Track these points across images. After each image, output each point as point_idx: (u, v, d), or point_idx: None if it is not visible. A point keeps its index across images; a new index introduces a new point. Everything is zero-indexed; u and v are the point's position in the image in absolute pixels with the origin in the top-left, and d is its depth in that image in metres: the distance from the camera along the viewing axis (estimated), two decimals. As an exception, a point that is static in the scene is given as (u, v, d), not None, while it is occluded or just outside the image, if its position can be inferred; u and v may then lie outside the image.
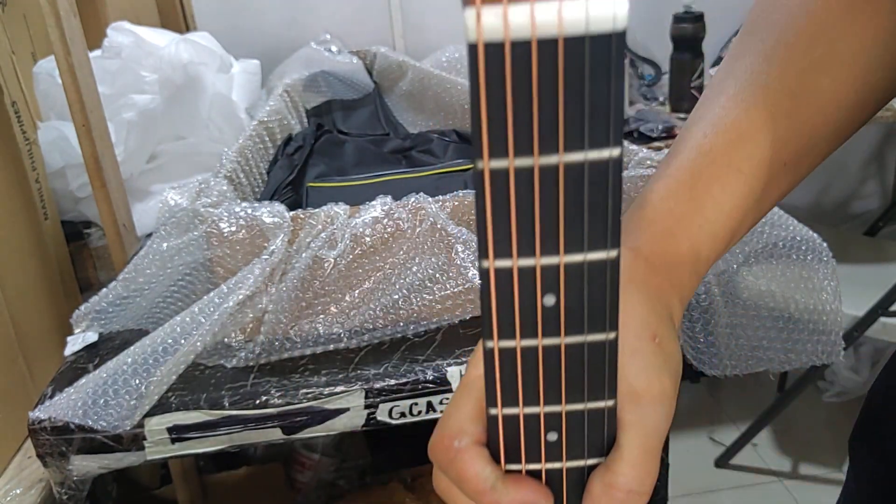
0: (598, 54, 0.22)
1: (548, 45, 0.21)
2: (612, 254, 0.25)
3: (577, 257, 0.24)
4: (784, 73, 0.38)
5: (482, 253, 0.24)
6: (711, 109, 0.39)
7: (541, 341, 0.26)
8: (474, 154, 0.23)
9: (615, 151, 0.23)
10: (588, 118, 0.22)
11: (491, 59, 0.22)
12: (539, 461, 0.30)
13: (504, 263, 0.24)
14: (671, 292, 0.35)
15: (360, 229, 0.74)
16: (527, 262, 0.24)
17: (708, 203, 0.37)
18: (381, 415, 0.71)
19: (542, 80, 0.22)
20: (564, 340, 0.26)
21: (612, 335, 0.27)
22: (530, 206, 0.23)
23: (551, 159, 0.23)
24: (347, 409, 0.71)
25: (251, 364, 0.74)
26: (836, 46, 0.37)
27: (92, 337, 0.79)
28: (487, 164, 0.23)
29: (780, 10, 0.39)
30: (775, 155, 0.37)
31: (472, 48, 0.21)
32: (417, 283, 0.75)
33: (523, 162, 0.23)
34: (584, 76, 0.22)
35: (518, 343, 0.26)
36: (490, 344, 0.27)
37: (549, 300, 0.25)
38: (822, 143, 0.39)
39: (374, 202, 0.76)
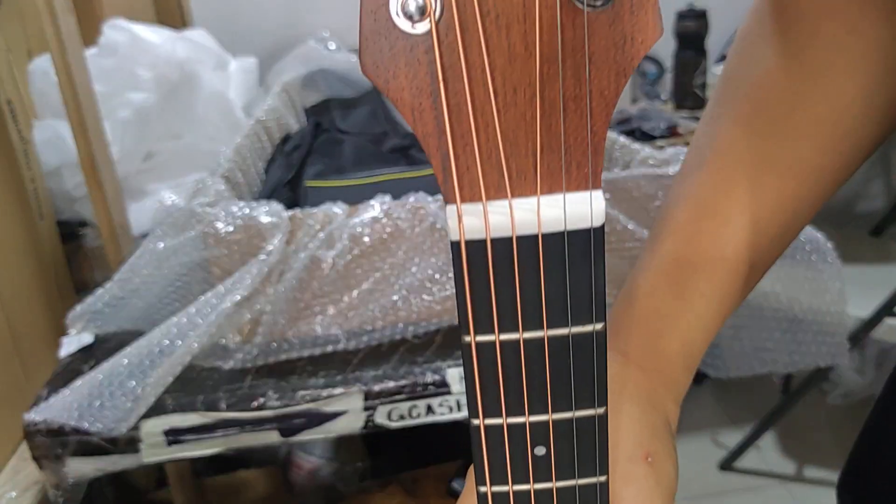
0: (578, 246, 0.23)
1: (528, 240, 0.23)
2: (601, 410, 0.26)
3: (565, 415, 0.26)
4: (764, 143, 0.36)
5: (472, 412, 0.26)
6: (693, 186, 0.38)
7: (532, 486, 0.27)
8: (461, 329, 0.24)
9: (598, 325, 0.24)
10: (570, 300, 0.24)
11: (473, 254, 0.23)
12: None
13: (494, 421, 0.26)
14: (666, 396, 0.36)
15: (359, 229, 0.74)
16: (516, 419, 0.26)
17: (695, 299, 0.36)
18: (380, 417, 0.71)
19: (523, 270, 0.23)
20: (556, 485, 0.27)
21: (602, 478, 0.28)
22: (517, 372, 0.25)
23: (536, 334, 0.24)
24: (346, 412, 0.70)
25: (248, 366, 0.74)
26: (816, 110, 0.36)
27: (87, 338, 0.79)
28: (474, 339, 0.24)
29: (755, 70, 0.38)
30: (760, 233, 0.37)
31: (455, 244, 0.23)
32: (417, 283, 0.75)
33: (508, 336, 0.24)
34: (564, 266, 0.23)
35: (510, 488, 0.27)
36: (483, 489, 0.27)
37: (540, 451, 0.26)
38: (807, 209, 0.38)
39: (372, 202, 0.75)
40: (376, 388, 0.70)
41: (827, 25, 0.35)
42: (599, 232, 0.23)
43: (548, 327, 0.24)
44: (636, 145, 0.87)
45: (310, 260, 0.73)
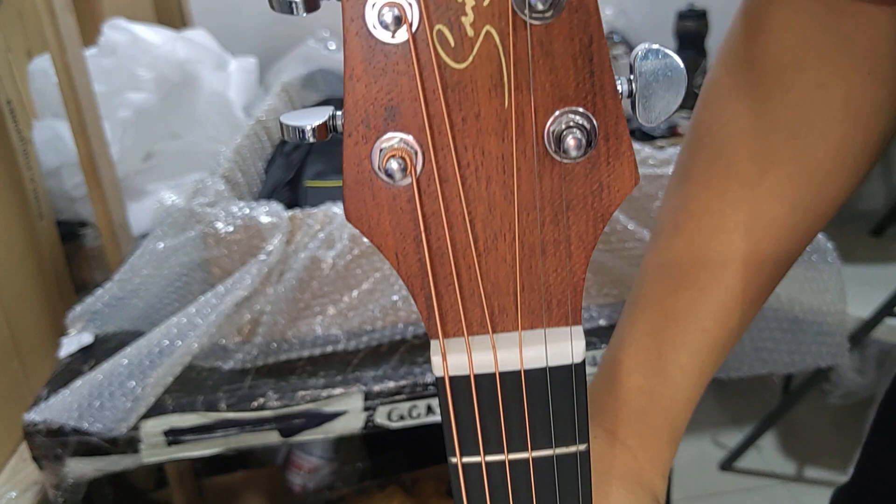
0: (560, 380, 0.24)
1: (511, 375, 0.24)
2: None
3: None
4: (737, 209, 0.36)
5: None
6: (668, 252, 0.38)
7: None
8: (448, 450, 0.25)
9: (581, 446, 0.25)
10: (554, 426, 0.25)
11: (457, 386, 0.24)
12: None
13: None
14: (652, 472, 0.36)
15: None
16: None
17: (677, 373, 0.36)
18: (380, 417, 0.70)
19: (506, 400, 0.24)
20: None
21: None
22: (504, 485, 0.26)
23: (521, 455, 0.25)
24: (346, 412, 0.70)
25: (248, 366, 0.74)
26: (788, 170, 0.35)
27: (87, 338, 0.79)
28: (460, 460, 0.25)
29: (725, 127, 0.36)
30: (736, 300, 0.36)
31: (440, 380, 0.24)
32: (417, 283, 0.75)
33: (494, 458, 0.25)
34: (546, 396, 0.24)
35: None
36: None
37: None
38: (784, 266, 0.38)
39: None
40: (376, 388, 0.70)
41: (798, 80, 0.34)
42: (580, 367, 0.24)
43: (532, 449, 0.25)
44: (636, 145, 0.87)
45: (310, 260, 0.73)
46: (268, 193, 0.95)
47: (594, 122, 0.21)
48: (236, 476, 1.08)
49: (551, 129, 0.21)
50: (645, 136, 1.33)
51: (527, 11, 0.19)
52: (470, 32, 0.20)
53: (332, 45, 1.46)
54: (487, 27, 0.20)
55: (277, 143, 1.11)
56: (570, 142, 0.21)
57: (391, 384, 0.70)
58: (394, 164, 0.21)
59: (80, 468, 0.70)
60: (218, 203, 0.76)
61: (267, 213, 0.73)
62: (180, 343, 0.70)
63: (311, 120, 0.22)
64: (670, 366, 0.36)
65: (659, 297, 0.37)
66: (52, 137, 0.98)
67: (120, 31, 1.05)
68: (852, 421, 1.56)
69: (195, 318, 0.71)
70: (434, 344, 0.24)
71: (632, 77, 0.22)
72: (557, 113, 0.21)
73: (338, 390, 0.70)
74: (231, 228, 0.73)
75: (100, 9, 1.16)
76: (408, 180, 0.22)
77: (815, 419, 1.63)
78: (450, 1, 0.20)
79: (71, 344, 0.78)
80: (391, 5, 0.20)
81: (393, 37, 0.20)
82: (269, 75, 1.40)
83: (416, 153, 0.21)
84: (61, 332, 0.80)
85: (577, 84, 0.21)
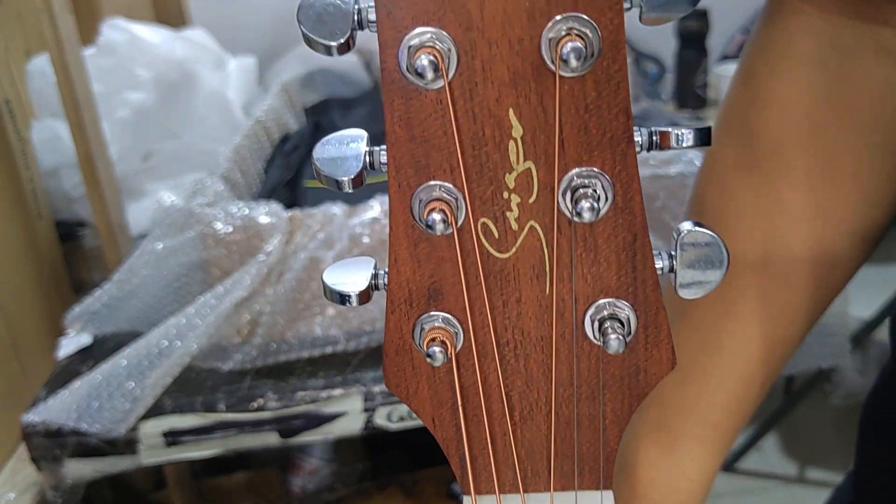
0: None
1: None
2: None
3: None
4: (745, 296, 0.35)
5: None
6: (676, 340, 0.37)
7: None
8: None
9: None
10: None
11: None
12: None
13: None
14: None
15: (358, 229, 0.73)
16: None
17: (691, 467, 0.37)
18: (380, 419, 0.70)
19: None
20: None
21: None
22: None
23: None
24: (345, 413, 0.70)
25: (247, 367, 0.73)
26: (795, 254, 0.34)
27: (86, 339, 0.78)
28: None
29: (729, 206, 0.35)
30: (747, 388, 0.36)
31: None
32: (417, 284, 0.74)
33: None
34: None
35: None
36: None
37: None
38: (795, 347, 0.38)
39: (372, 202, 0.75)
40: (376, 389, 0.69)
41: (802, 158, 0.33)
42: None
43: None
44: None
45: (309, 260, 0.73)
46: (267, 193, 0.94)
47: (634, 312, 0.22)
48: (235, 477, 1.08)
49: (591, 317, 0.22)
50: (645, 136, 1.33)
51: (571, 210, 0.20)
52: (514, 226, 0.21)
53: (332, 45, 1.45)
54: (532, 222, 0.21)
55: (276, 142, 1.11)
56: (610, 332, 0.21)
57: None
58: (435, 348, 0.22)
59: (79, 469, 0.70)
60: (217, 203, 0.76)
61: (266, 213, 0.73)
62: (179, 344, 0.70)
63: (354, 285, 0.22)
64: (684, 459, 0.37)
65: (668, 389, 0.37)
66: (50, 137, 0.97)
67: (119, 31, 1.04)
68: (854, 422, 1.56)
69: (194, 319, 0.71)
70: (466, 500, 0.24)
71: (673, 254, 0.22)
72: (598, 303, 0.22)
73: (337, 391, 0.69)
74: (230, 229, 0.73)
75: (98, 8, 1.15)
76: (447, 356, 0.22)
77: (816, 420, 1.62)
78: (496, 198, 0.20)
79: (69, 345, 0.78)
80: (439, 205, 0.20)
81: (438, 231, 0.20)
82: (268, 75, 1.39)
83: (456, 332, 0.22)
84: (60, 332, 0.80)
85: (618, 277, 0.21)
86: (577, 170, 0.20)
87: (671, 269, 0.22)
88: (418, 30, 0.18)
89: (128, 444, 0.69)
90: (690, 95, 1.47)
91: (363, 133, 0.21)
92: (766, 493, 1.47)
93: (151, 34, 1.08)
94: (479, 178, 0.20)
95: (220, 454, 0.72)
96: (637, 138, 0.20)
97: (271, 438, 0.71)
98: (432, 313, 0.22)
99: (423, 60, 0.18)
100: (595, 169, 0.20)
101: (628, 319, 0.22)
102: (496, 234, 0.21)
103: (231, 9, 1.54)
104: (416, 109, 0.19)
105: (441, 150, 0.20)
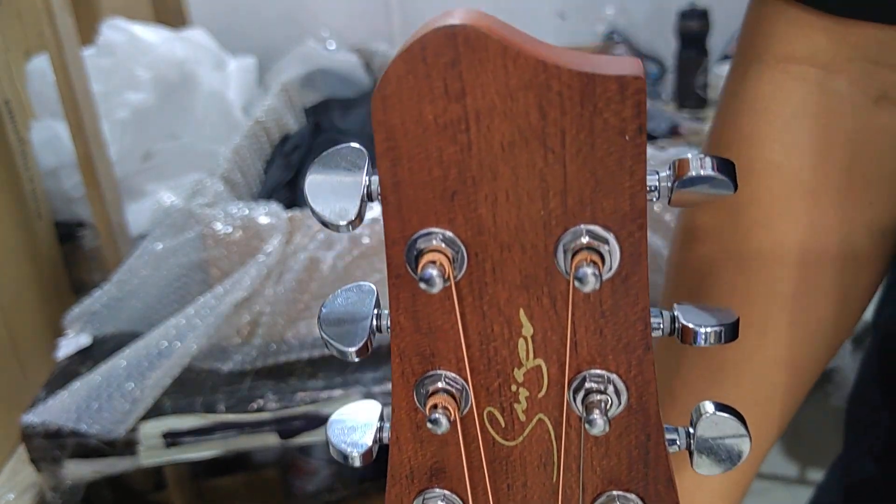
0: None
1: None
2: None
3: None
4: (738, 384, 0.34)
5: None
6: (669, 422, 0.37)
7: None
8: None
9: None
10: None
11: None
12: None
13: None
14: None
15: (358, 230, 0.73)
16: None
17: (720, 485, 0.35)
18: (380, 419, 0.70)
19: None
20: None
21: None
22: None
23: None
24: (345, 414, 0.70)
25: (247, 367, 0.73)
26: (787, 335, 0.33)
27: (85, 339, 0.78)
28: None
29: (712, 281, 0.34)
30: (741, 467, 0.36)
31: None
32: (417, 284, 0.74)
33: None
34: None
35: None
36: None
37: None
38: (786, 423, 0.37)
39: (372, 202, 0.74)
40: (376, 389, 0.69)
41: (790, 232, 0.32)
42: None
43: None
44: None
45: (309, 261, 0.73)
46: (267, 194, 0.94)
47: None
48: (235, 478, 1.07)
49: None
50: (647, 137, 1.33)
51: (581, 411, 0.19)
52: (522, 417, 0.20)
53: (332, 45, 1.45)
54: (540, 415, 0.20)
55: (276, 143, 1.10)
56: None
57: (391, 386, 0.69)
58: None
59: (79, 470, 0.69)
60: (217, 203, 0.76)
61: (266, 213, 0.73)
62: (179, 344, 0.70)
63: (357, 445, 0.21)
64: (715, 481, 0.35)
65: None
66: (50, 138, 0.97)
67: (118, 31, 1.04)
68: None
69: (194, 320, 0.70)
70: None
71: (690, 431, 0.21)
72: (609, 493, 0.21)
73: (337, 392, 0.69)
74: (230, 229, 0.72)
75: (98, 8, 1.15)
76: None
77: (817, 421, 1.62)
78: (503, 390, 0.20)
79: (69, 345, 0.78)
80: (443, 400, 0.20)
81: (442, 428, 0.20)
82: (268, 75, 1.39)
83: None
84: (59, 333, 0.80)
85: (629, 472, 0.21)
86: (589, 371, 0.19)
87: (687, 447, 0.21)
88: (426, 230, 0.18)
89: (127, 445, 0.69)
90: (691, 96, 1.47)
91: (372, 288, 0.21)
92: (766, 494, 1.47)
93: (151, 34, 1.08)
94: (486, 371, 0.20)
95: (219, 455, 0.72)
96: (657, 327, 0.19)
97: (271, 439, 0.71)
98: (435, 490, 0.22)
99: (430, 271, 0.17)
100: (609, 373, 0.19)
101: None
102: (503, 423, 0.20)
103: (231, 9, 1.54)
104: (423, 304, 0.19)
105: (447, 342, 0.19)
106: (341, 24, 1.57)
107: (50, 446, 0.68)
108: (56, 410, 0.68)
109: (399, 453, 0.21)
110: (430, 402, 0.20)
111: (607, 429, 0.19)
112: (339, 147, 0.19)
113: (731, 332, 0.19)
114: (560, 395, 0.20)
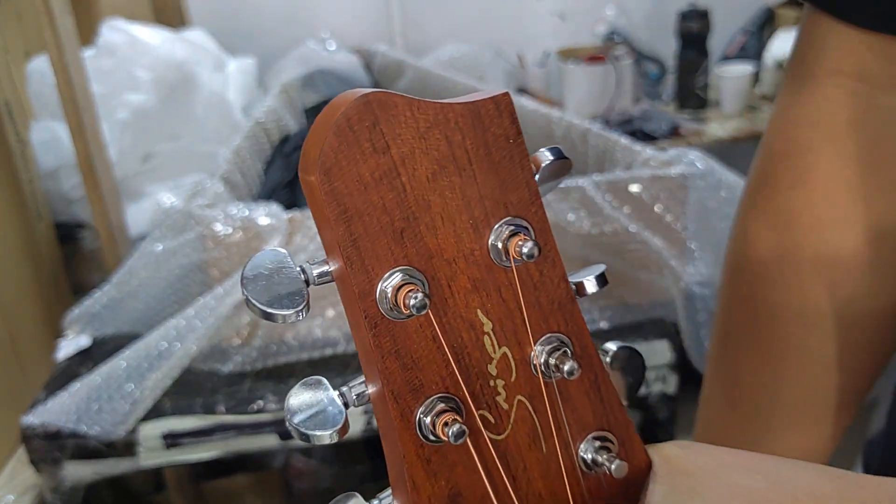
0: None
1: None
2: None
3: None
4: (793, 387, 0.36)
5: None
6: (726, 427, 0.38)
7: None
8: None
9: None
10: None
11: None
12: None
13: None
14: None
15: (359, 231, 0.73)
16: None
17: None
18: (380, 421, 0.70)
19: None
20: None
21: None
22: None
23: None
24: (345, 415, 0.70)
25: (247, 369, 0.73)
26: (838, 335, 0.35)
27: (85, 341, 0.78)
28: None
29: (771, 287, 0.36)
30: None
31: None
32: (417, 285, 0.74)
33: None
34: None
35: None
36: None
37: None
38: (847, 423, 0.39)
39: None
40: (376, 391, 0.69)
41: (849, 237, 0.33)
42: None
43: None
44: (638, 146, 0.86)
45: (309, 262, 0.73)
46: (267, 195, 0.94)
47: (614, 438, 0.24)
48: (235, 480, 1.07)
49: (583, 457, 0.24)
50: (647, 137, 1.33)
51: (549, 372, 0.23)
52: (505, 406, 0.23)
53: (332, 46, 1.45)
54: (518, 397, 0.23)
55: (276, 144, 1.10)
56: (607, 461, 0.24)
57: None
58: None
59: (78, 472, 0.69)
60: (217, 204, 0.76)
61: (266, 214, 0.73)
62: (179, 345, 0.69)
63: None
64: None
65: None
66: (49, 139, 0.97)
67: (118, 32, 1.04)
68: (855, 423, 1.56)
69: (194, 321, 0.70)
70: None
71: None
72: (586, 441, 0.24)
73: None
74: (230, 230, 0.72)
75: (98, 9, 1.15)
76: None
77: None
78: (485, 389, 0.22)
79: (69, 346, 0.78)
80: (448, 413, 0.21)
81: (453, 439, 0.21)
82: (268, 76, 1.39)
83: None
84: (59, 334, 0.80)
85: (593, 413, 0.24)
86: (542, 337, 0.23)
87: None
88: (388, 272, 0.20)
89: (127, 447, 0.69)
90: (691, 96, 1.47)
91: (323, 381, 0.22)
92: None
93: (151, 35, 1.08)
94: (469, 377, 0.22)
95: (219, 456, 0.72)
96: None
97: (271, 440, 0.71)
98: None
99: (413, 300, 0.20)
100: (553, 333, 0.23)
101: (612, 447, 0.24)
102: (492, 420, 0.22)
103: (231, 10, 1.54)
104: (403, 340, 0.21)
105: (431, 367, 0.21)
106: (341, 24, 1.57)
107: (50, 447, 0.68)
108: (56, 412, 0.68)
109: (418, 497, 0.22)
110: (440, 422, 0.21)
111: (578, 369, 0.22)
112: (260, 256, 0.21)
113: (601, 280, 0.23)
114: (528, 371, 0.23)
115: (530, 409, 0.23)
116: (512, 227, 0.21)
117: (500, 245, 0.21)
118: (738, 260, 0.37)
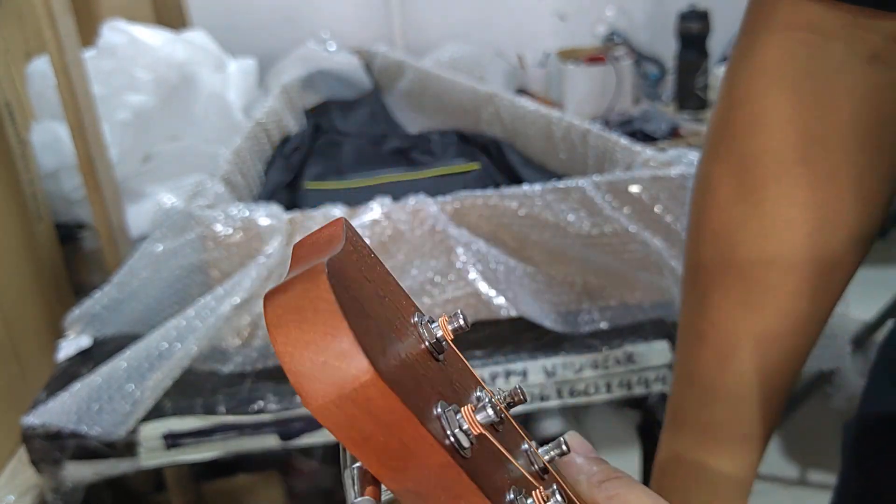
0: None
1: None
2: None
3: None
4: (760, 313, 0.37)
5: None
6: (699, 362, 0.38)
7: None
8: None
9: None
10: None
11: None
12: None
13: None
14: None
15: (358, 231, 0.73)
16: None
17: (724, 483, 0.38)
18: (380, 421, 0.70)
19: None
20: None
21: None
22: None
23: None
24: (345, 416, 0.70)
25: (247, 369, 0.73)
26: (803, 270, 0.36)
27: (86, 341, 0.78)
28: None
29: (728, 226, 0.37)
30: (770, 404, 0.38)
31: None
32: (416, 286, 0.74)
33: None
34: None
35: None
36: None
37: None
38: (804, 358, 0.39)
39: (372, 204, 0.74)
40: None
41: (803, 178, 0.35)
42: None
43: None
44: (638, 147, 0.86)
45: (309, 262, 0.73)
46: (267, 195, 0.94)
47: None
48: (235, 480, 1.07)
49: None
50: (647, 138, 1.33)
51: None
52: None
53: (332, 47, 1.45)
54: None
55: (277, 144, 1.10)
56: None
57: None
58: None
59: (79, 472, 0.69)
60: (217, 205, 0.76)
61: (266, 214, 0.73)
62: (179, 346, 0.70)
63: None
64: (717, 479, 0.38)
65: (695, 410, 0.39)
66: (50, 139, 0.97)
67: (119, 33, 1.04)
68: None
69: (194, 321, 0.70)
70: None
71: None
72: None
73: (337, 394, 0.69)
74: (230, 230, 0.72)
75: (98, 10, 1.15)
76: None
77: (817, 422, 1.62)
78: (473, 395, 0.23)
79: (69, 347, 0.78)
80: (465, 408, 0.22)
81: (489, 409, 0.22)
82: (268, 76, 1.39)
83: None
84: (59, 334, 0.80)
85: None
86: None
87: None
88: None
89: (128, 447, 0.69)
90: (691, 97, 1.47)
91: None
92: (767, 496, 1.47)
93: (151, 36, 1.08)
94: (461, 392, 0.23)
95: (220, 457, 0.72)
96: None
97: (271, 441, 0.71)
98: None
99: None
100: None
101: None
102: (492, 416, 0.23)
103: (231, 11, 1.54)
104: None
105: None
106: (341, 25, 1.57)
107: (50, 448, 0.68)
108: (56, 412, 0.68)
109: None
110: (461, 415, 0.21)
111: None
112: None
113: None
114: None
115: (491, 439, 0.23)
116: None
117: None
118: (701, 203, 0.38)
